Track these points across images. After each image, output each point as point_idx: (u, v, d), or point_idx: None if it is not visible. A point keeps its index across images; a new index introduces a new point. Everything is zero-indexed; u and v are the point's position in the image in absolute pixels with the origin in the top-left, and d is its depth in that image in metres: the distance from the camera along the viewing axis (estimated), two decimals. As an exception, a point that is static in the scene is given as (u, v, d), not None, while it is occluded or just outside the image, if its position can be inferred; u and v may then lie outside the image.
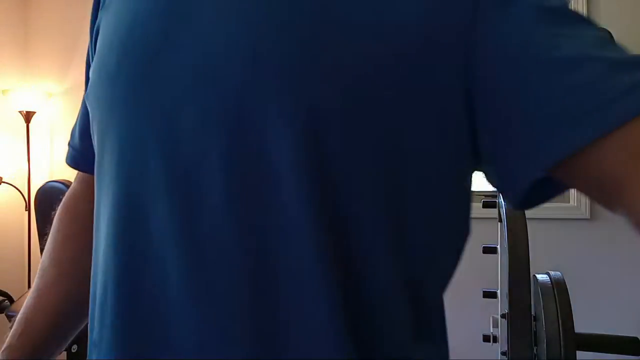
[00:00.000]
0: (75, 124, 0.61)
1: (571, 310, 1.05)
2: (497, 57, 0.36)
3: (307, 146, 0.36)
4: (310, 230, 0.36)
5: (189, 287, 0.37)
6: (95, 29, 0.51)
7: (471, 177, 0.42)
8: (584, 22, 0.38)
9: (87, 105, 0.47)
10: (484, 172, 0.41)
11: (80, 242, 0.60)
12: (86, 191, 0.60)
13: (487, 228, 1.33)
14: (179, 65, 0.38)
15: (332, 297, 0.36)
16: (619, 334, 1.17)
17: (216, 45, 0.37)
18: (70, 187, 0.65)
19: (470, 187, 0.42)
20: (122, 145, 0.41)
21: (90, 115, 0.47)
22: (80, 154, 0.60)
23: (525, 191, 0.37)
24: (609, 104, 0.33)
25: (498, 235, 1.44)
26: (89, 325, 0.45)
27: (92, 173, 0.52)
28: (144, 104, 0.40)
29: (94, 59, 0.47)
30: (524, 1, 0.37)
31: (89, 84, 0.47)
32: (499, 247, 1.46)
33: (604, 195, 0.36)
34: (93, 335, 0.43)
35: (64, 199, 0.64)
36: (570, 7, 0.38)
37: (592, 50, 0.35)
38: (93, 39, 0.52)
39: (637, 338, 1.09)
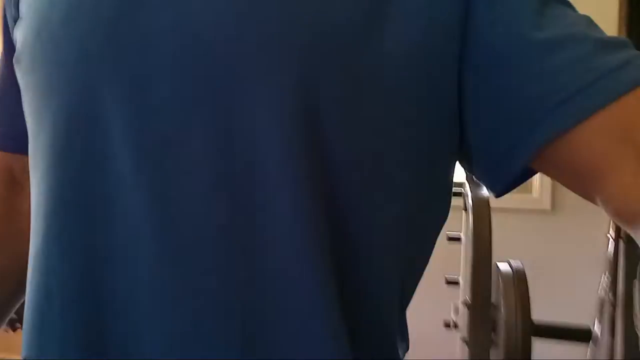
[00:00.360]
0: None
1: (529, 299, 1.08)
2: (485, 43, 0.35)
3: (298, 124, 0.33)
4: (300, 222, 0.33)
5: (164, 288, 0.33)
6: None
7: (454, 165, 0.41)
8: (568, 5, 0.37)
9: (18, 70, 0.41)
10: (467, 160, 0.40)
11: None
12: (6, 181, 0.53)
13: (452, 217, 1.34)
14: (152, 28, 0.34)
15: (325, 296, 0.33)
16: (574, 322, 1.20)
17: (200, 9, 0.33)
18: None
19: (453, 174, 0.42)
20: (71, 120, 0.35)
21: (21, 83, 0.41)
22: (2, 131, 0.51)
23: (515, 178, 0.36)
24: (592, 84, 0.32)
25: (463, 225, 1.46)
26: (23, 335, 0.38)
27: (11, 151, 0.49)
28: (101, 70, 0.34)
29: (24, 15, 0.41)
30: None
31: (21, 44, 0.40)
32: (463, 236, 1.48)
33: (582, 182, 0.35)
34: (26, 347, 0.37)
35: None
36: None
37: (576, 30, 0.35)
38: None
39: (589, 327, 1.13)
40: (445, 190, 0.41)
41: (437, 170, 0.39)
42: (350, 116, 0.34)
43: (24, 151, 0.48)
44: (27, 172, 0.50)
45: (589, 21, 0.36)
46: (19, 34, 0.40)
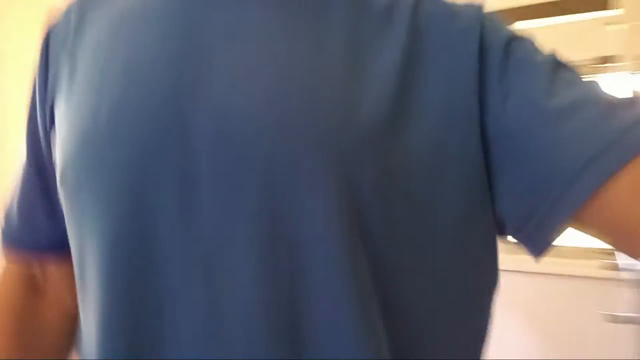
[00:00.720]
0: (13, 200, 0.50)
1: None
2: (502, 117, 0.36)
3: (344, 220, 0.34)
4: (347, 315, 0.34)
5: None
6: (52, 72, 0.45)
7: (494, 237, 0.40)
8: (573, 71, 0.38)
9: (62, 189, 0.40)
10: (502, 228, 0.40)
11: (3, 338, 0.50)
12: (21, 275, 0.51)
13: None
14: (193, 132, 0.34)
15: None
16: None
17: (238, 111, 0.34)
18: (4, 276, 0.53)
19: (495, 247, 0.41)
20: (119, 236, 0.35)
21: (66, 199, 0.40)
22: (24, 234, 0.50)
23: (551, 241, 0.36)
24: (610, 146, 0.32)
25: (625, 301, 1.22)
26: None
27: (36, 250, 0.49)
28: (148, 173, 0.35)
29: (61, 129, 0.41)
30: (519, 58, 0.38)
31: (63, 163, 0.40)
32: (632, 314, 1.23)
33: (623, 240, 0.34)
34: None
35: None
36: (558, 57, 0.39)
37: (586, 93, 0.35)
38: (48, 88, 0.45)
39: None
40: (488, 262, 0.41)
41: (477, 245, 0.39)
42: (387, 203, 0.35)
43: (48, 256, 0.49)
44: (49, 278, 0.51)
45: (596, 85, 0.37)
46: (58, 152, 0.41)
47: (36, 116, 0.47)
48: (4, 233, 0.51)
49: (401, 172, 0.35)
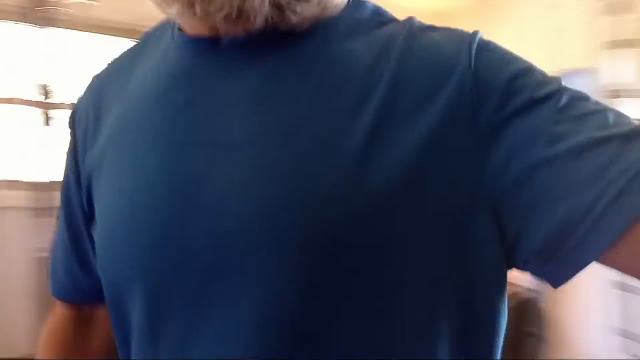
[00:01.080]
0: (57, 255, 0.55)
1: None
2: (508, 179, 0.36)
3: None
4: None
5: None
6: (81, 147, 0.48)
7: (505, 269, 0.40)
8: (587, 99, 0.37)
9: (99, 272, 0.45)
10: (521, 263, 0.39)
11: None
12: (71, 313, 0.57)
13: None
14: (191, 246, 0.38)
15: None
16: None
17: (227, 223, 0.37)
18: (56, 312, 0.59)
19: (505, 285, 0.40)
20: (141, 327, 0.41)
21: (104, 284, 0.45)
22: (68, 288, 0.55)
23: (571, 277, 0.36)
24: (632, 183, 0.32)
25: None
26: None
27: (81, 300, 0.55)
28: (160, 286, 0.39)
29: (97, 221, 0.45)
30: (521, 102, 0.36)
31: (99, 245, 0.45)
32: None
33: None
34: None
35: (49, 324, 0.59)
36: (565, 87, 0.37)
37: (595, 132, 0.34)
38: (84, 175, 0.48)
39: None
40: (495, 302, 0.40)
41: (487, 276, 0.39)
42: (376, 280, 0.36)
43: (94, 301, 0.53)
44: (96, 312, 0.56)
45: (608, 113, 0.35)
46: (96, 233, 0.45)
47: (70, 179, 0.50)
48: (52, 287, 0.56)
49: (367, 235, 0.35)
